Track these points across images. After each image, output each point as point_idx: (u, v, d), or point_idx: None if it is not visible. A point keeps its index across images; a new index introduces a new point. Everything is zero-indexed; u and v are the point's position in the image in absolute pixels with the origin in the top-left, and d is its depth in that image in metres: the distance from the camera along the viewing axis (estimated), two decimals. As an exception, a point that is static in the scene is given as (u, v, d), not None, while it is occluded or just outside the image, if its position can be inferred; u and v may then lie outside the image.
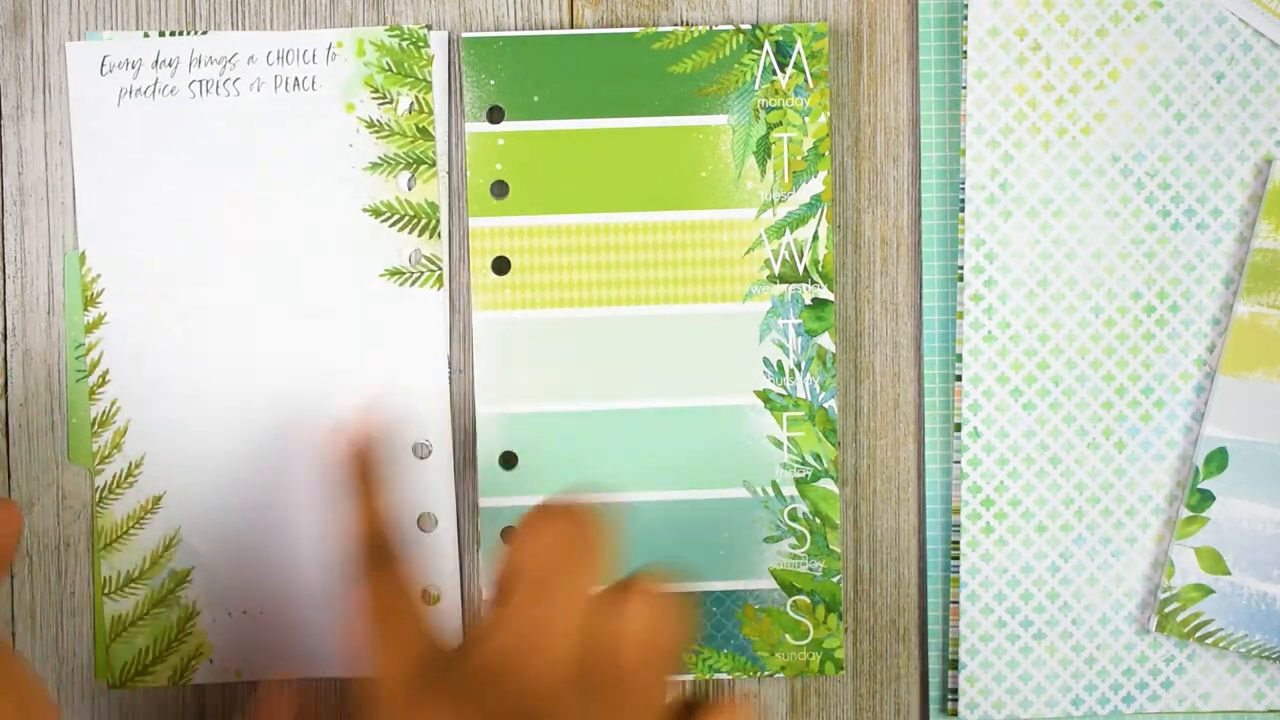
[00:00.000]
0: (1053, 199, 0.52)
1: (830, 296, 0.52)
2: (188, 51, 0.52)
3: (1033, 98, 0.52)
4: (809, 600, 0.52)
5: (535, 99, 0.52)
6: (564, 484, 0.52)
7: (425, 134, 0.52)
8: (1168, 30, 0.52)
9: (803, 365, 0.52)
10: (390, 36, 0.52)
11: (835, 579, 0.52)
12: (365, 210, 0.52)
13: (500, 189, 0.52)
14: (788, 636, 0.53)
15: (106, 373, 0.52)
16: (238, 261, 0.52)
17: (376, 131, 0.52)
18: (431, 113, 0.52)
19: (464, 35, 0.52)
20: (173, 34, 0.52)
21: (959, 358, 0.52)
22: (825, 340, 0.52)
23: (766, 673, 0.53)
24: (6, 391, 0.52)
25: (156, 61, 0.52)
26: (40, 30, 0.52)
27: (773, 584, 0.52)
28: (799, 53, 0.52)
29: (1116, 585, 0.53)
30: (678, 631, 0.40)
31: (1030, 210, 0.52)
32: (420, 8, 0.53)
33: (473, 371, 0.52)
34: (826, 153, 0.52)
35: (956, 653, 0.53)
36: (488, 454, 0.52)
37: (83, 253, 0.52)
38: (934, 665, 0.53)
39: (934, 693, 0.53)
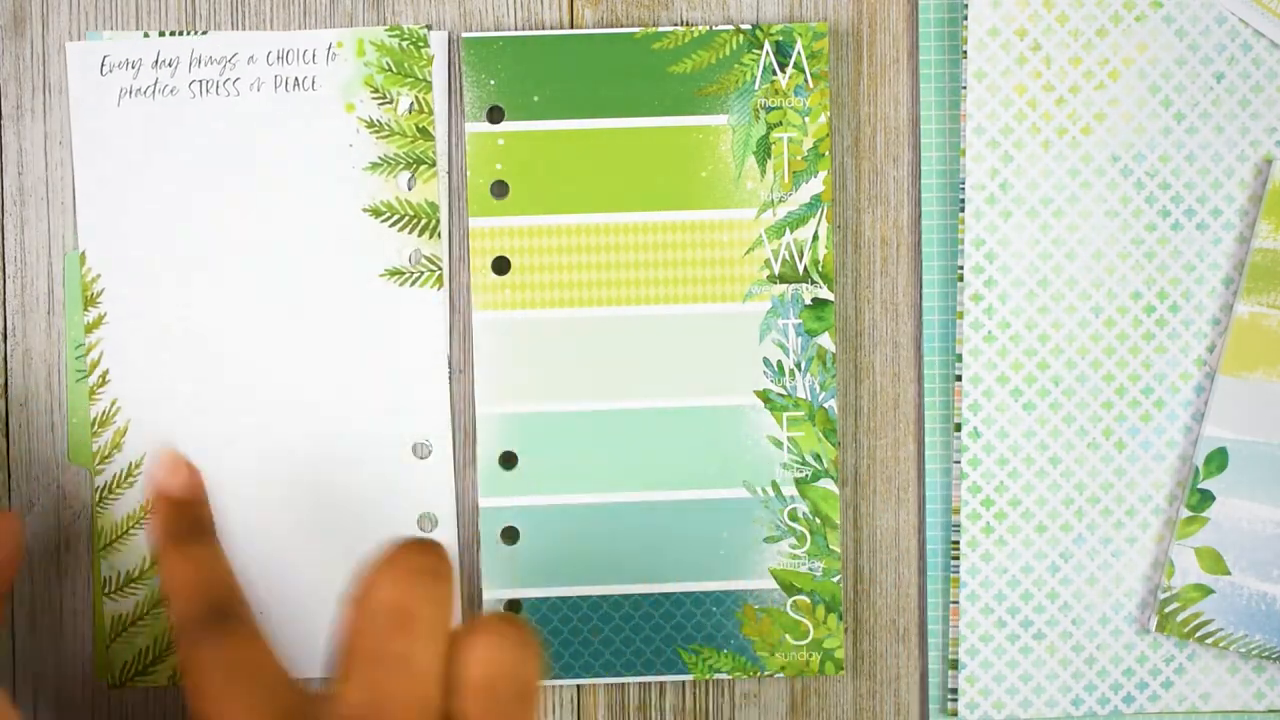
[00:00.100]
0: (1053, 199, 0.52)
1: (830, 296, 0.52)
2: (188, 51, 0.52)
3: (1033, 98, 0.52)
4: (809, 600, 0.52)
5: (535, 99, 0.52)
6: (564, 484, 0.52)
7: (425, 134, 0.52)
8: (1168, 30, 0.52)
9: (803, 365, 0.52)
10: (390, 36, 0.52)
11: (835, 579, 0.52)
12: (365, 210, 0.52)
13: (500, 189, 0.52)
14: (788, 636, 0.53)
15: (106, 373, 0.52)
16: (238, 261, 0.52)
17: (376, 131, 0.52)
18: (431, 113, 0.52)
19: (464, 35, 0.52)
20: (173, 34, 0.52)
21: (959, 358, 0.52)
22: (825, 340, 0.52)
23: (766, 673, 0.53)
24: (6, 391, 0.52)
25: (156, 61, 0.52)
26: (40, 30, 0.52)
27: (773, 584, 0.52)
28: (799, 53, 0.52)
29: (1116, 585, 0.53)
30: (525, 670, 0.39)
31: (1030, 210, 0.52)
32: (420, 8, 0.53)
33: (473, 371, 0.52)
34: (826, 153, 0.52)
35: (956, 653, 0.53)
36: (488, 454, 0.52)
37: (83, 253, 0.52)
38: (934, 665, 0.53)
39: (934, 693, 0.53)
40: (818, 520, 0.52)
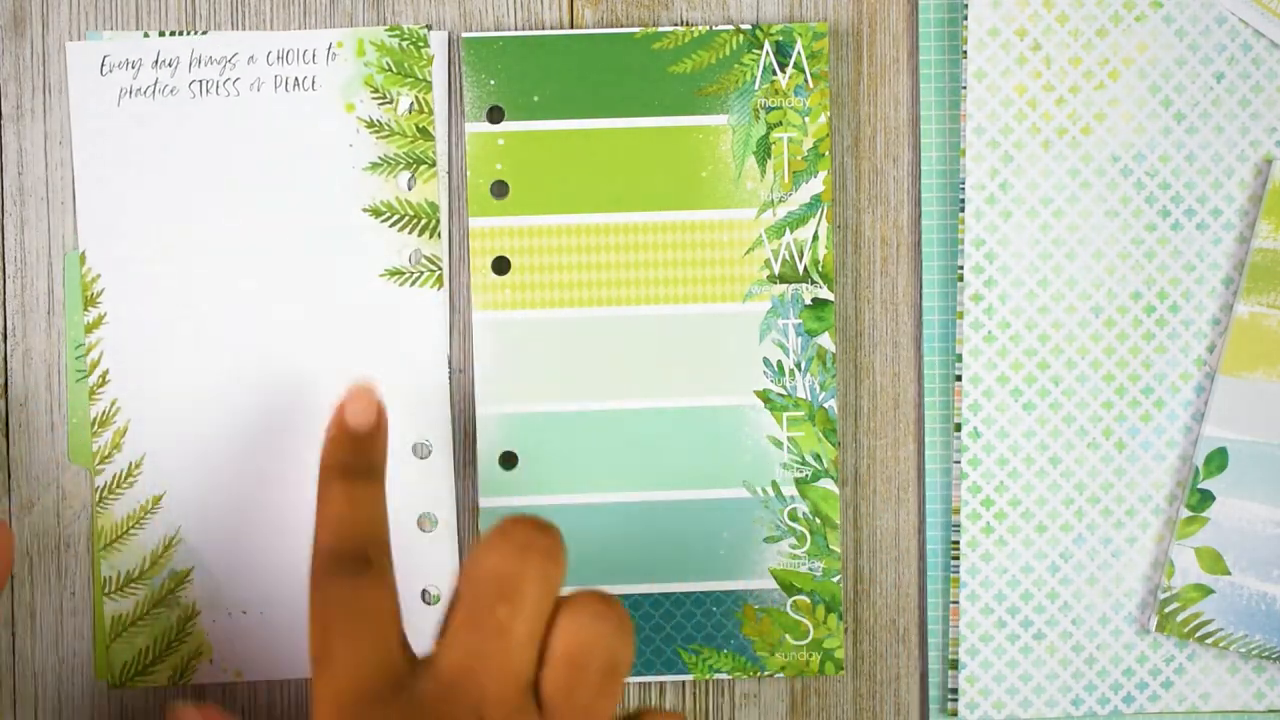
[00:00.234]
0: (1053, 199, 0.52)
1: (830, 296, 0.52)
2: (188, 51, 0.52)
3: (1033, 98, 0.52)
4: (809, 600, 0.52)
5: (535, 99, 0.52)
6: (564, 484, 0.52)
7: (425, 134, 0.52)
8: (1168, 30, 0.52)
9: (803, 365, 0.52)
10: (390, 36, 0.52)
11: (835, 579, 0.52)
12: (365, 210, 0.52)
13: (500, 189, 0.52)
14: (788, 636, 0.53)
15: (106, 373, 0.52)
16: (238, 261, 0.52)
17: (376, 131, 0.52)
18: (431, 113, 0.52)
19: (464, 35, 0.52)
20: (173, 34, 0.52)
21: (959, 358, 0.52)
22: (825, 340, 0.52)
23: (766, 673, 0.53)
24: (6, 391, 0.52)
25: (156, 61, 0.52)
26: (40, 30, 0.52)
27: (773, 584, 0.52)
28: (799, 53, 0.52)
29: (1116, 585, 0.53)
30: (614, 646, 0.40)
31: (1030, 210, 0.52)
32: (420, 8, 0.53)
33: (473, 371, 0.52)
34: (826, 153, 0.52)
35: (956, 653, 0.53)
36: (488, 454, 0.52)
37: (83, 253, 0.52)
38: (934, 665, 0.53)
39: (934, 693, 0.53)
40: (818, 520, 0.52)
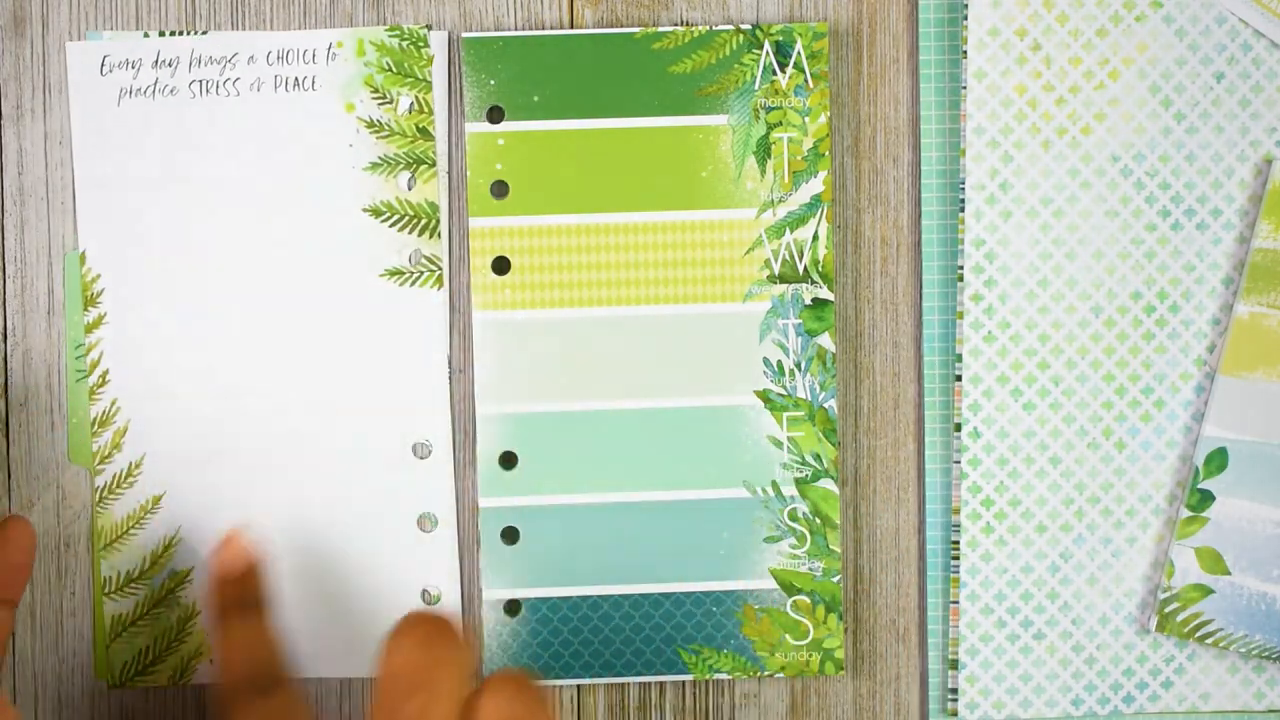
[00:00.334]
0: (1053, 199, 0.52)
1: (830, 296, 0.52)
2: (188, 51, 0.52)
3: (1033, 98, 0.52)
4: (809, 600, 0.52)
5: (535, 99, 0.52)
6: (564, 484, 0.52)
7: (425, 134, 0.52)
8: (1168, 30, 0.52)
9: (803, 365, 0.52)
10: (390, 36, 0.52)
11: (835, 579, 0.52)
12: (365, 210, 0.52)
13: (500, 189, 0.52)
14: (788, 636, 0.53)
15: (106, 373, 0.52)
16: (238, 261, 0.52)
17: (376, 131, 0.52)
18: (431, 113, 0.52)
19: (464, 35, 0.52)
20: (173, 34, 0.52)
21: (959, 358, 0.52)
22: (825, 340, 0.52)
23: (766, 673, 0.53)
24: (6, 391, 0.52)
25: (156, 61, 0.52)
26: (40, 30, 0.52)
27: (773, 584, 0.52)
28: (799, 53, 0.52)
29: (1116, 585, 0.53)
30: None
31: (1030, 210, 0.52)
32: (420, 8, 0.53)
33: (473, 371, 0.52)
34: (826, 153, 0.52)
35: (956, 653, 0.53)
36: (488, 454, 0.52)
37: (83, 253, 0.52)
38: (934, 665, 0.53)
39: (934, 693, 0.53)
40: (818, 520, 0.52)
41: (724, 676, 0.53)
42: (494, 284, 0.52)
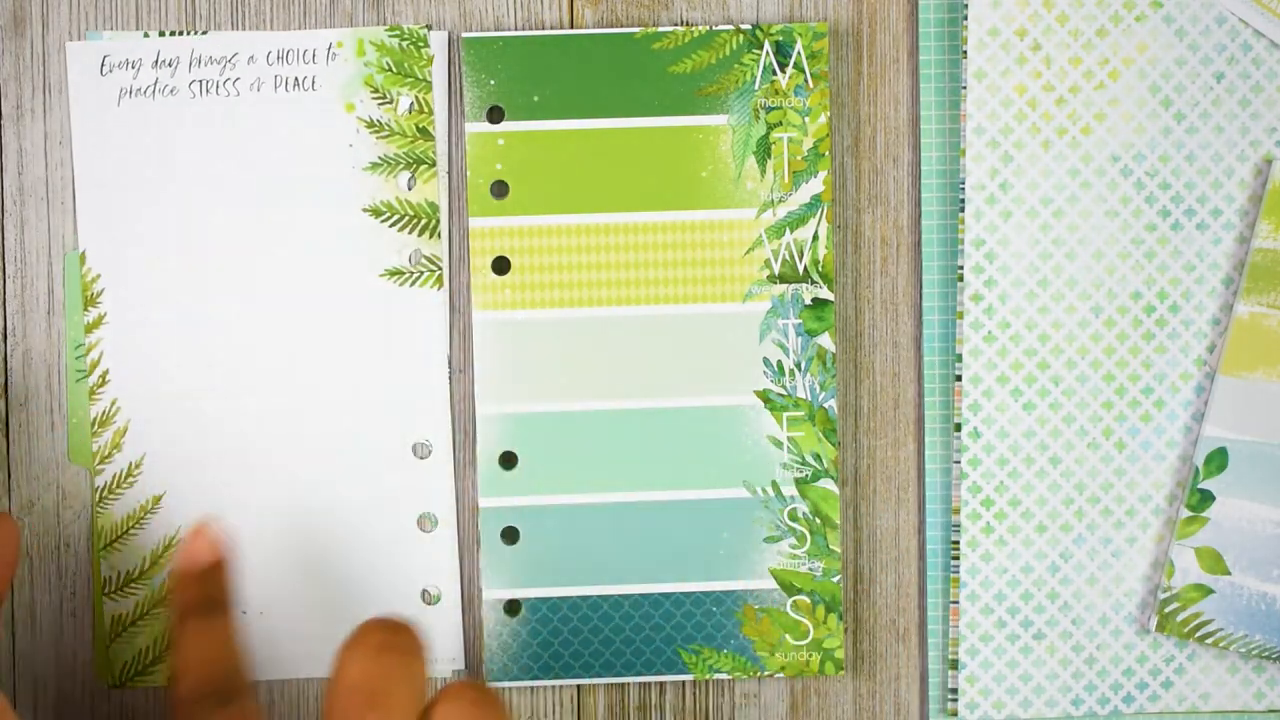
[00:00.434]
0: (1053, 199, 0.52)
1: (830, 296, 0.52)
2: (188, 51, 0.52)
3: (1033, 98, 0.52)
4: (809, 600, 0.52)
5: (535, 99, 0.52)
6: (564, 484, 0.52)
7: (425, 134, 0.52)
8: (1168, 30, 0.52)
9: (803, 365, 0.52)
10: (390, 36, 0.52)
11: (835, 579, 0.52)
12: (365, 210, 0.52)
13: (500, 189, 0.52)
14: (788, 636, 0.53)
15: (106, 373, 0.52)
16: (238, 261, 0.52)
17: (376, 131, 0.52)
18: (431, 113, 0.52)
19: (464, 35, 0.52)
20: (173, 34, 0.52)
21: (959, 358, 0.52)
22: (825, 340, 0.52)
23: (766, 673, 0.53)
24: (6, 391, 0.52)
25: (156, 61, 0.52)
26: (40, 30, 0.52)
27: (773, 584, 0.52)
28: (799, 53, 0.52)
29: (1116, 585, 0.53)
30: None
31: (1030, 210, 0.52)
32: (420, 8, 0.53)
33: (473, 371, 0.52)
34: (826, 153, 0.52)
35: (956, 653, 0.53)
36: (488, 454, 0.52)
37: (83, 253, 0.52)
38: (934, 665, 0.53)
39: (934, 693, 0.53)
40: (818, 520, 0.52)
41: (724, 676, 0.53)
42: (494, 284, 0.52)
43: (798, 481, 0.52)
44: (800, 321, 0.52)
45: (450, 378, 0.53)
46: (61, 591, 0.52)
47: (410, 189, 0.52)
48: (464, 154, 0.52)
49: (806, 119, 0.52)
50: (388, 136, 0.52)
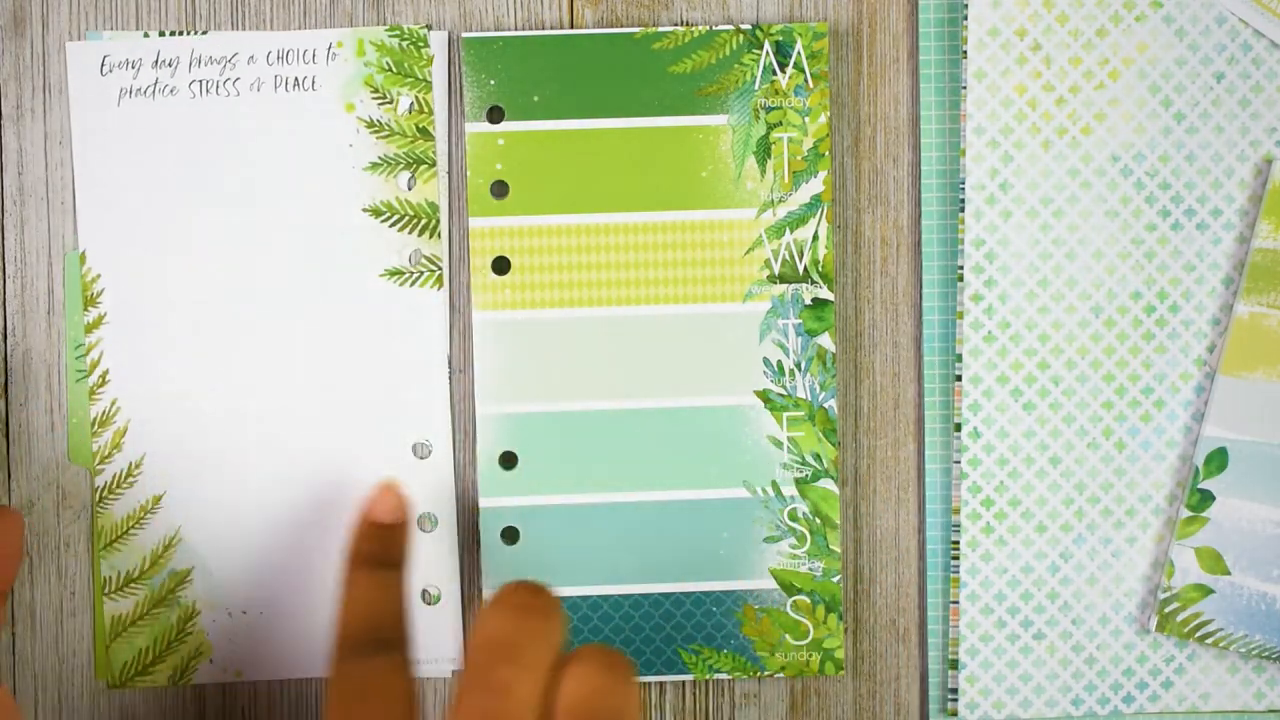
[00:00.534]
0: (1053, 199, 0.52)
1: (830, 296, 0.52)
2: (188, 51, 0.52)
3: (1033, 98, 0.52)
4: (809, 600, 0.52)
5: (535, 99, 0.52)
6: (564, 484, 0.52)
7: (425, 134, 0.52)
8: (1168, 30, 0.52)
9: (803, 365, 0.52)
10: (390, 36, 0.52)
11: (835, 579, 0.52)
12: (365, 210, 0.52)
13: (500, 189, 0.52)
14: (788, 636, 0.53)
15: (106, 373, 0.52)
16: (238, 261, 0.52)
17: (376, 131, 0.52)
18: (431, 113, 0.52)
19: (464, 35, 0.52)
20: (173, 34, 0.52)
21: (959, 358, 0.52)
22: (825, 340, 0.52)
23: (766, 673, 0.53)
24: (6, 391, 0.52)
25: (156, 61, 0.52)
26: (40, 30, 0.52)
27: (773, 584, 0.52)
28: (799, 53, 0.52)
29: (1116, 585, 0.53)
30: (619, 695, 0.41)
31: (1030, 210, 0.52)
32: (420, 8, 0.53)
33: (473, 371, 0.52)
34: (826, 153, 0.52)
35: (956, 653, 0.53)
36: (488, 454, 0.52)
37: (83, 253, 0.52)
38: (934, 665, 0.53)
39: (934, 693, 0.53)
40: (818, 520, 0.52)
41: (724, 676, 0.53)
42: (494, 284, 0.52)
43: (798, 481, 0.52)
44: (800, 321, 0.52)
45: (450, 378, 0.53)
46: (61, 591, 0.52)
47: (410, 189, 0.52)
48: (464, 154, 0.52)
49: (806, 119, 0.52)
50: (388, 136, 0.52)
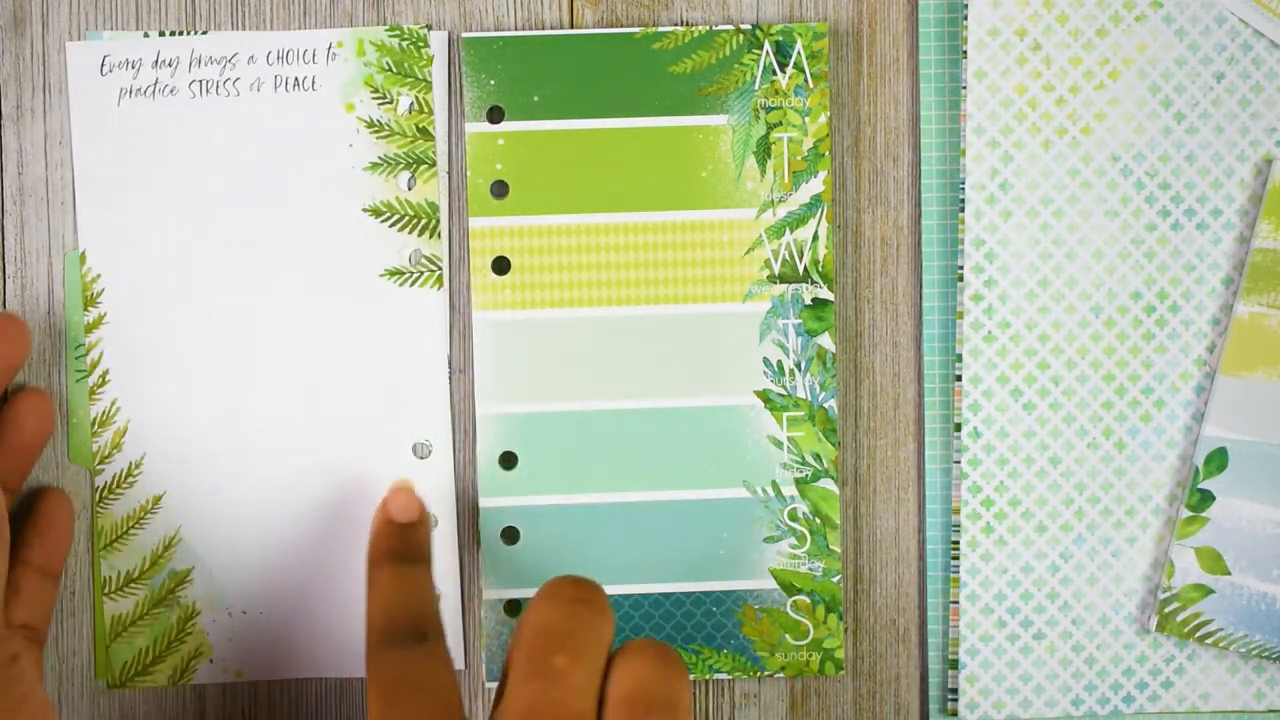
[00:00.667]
0: (1053, 199, 0.52)
1: (830, 296, 0.52)
2: (188, 51, 0.52)
3: (1033, 98, 0.52)
4: (809, 600, 0.52)
5: (535, 99, 0.52)
6: (564, 484, 0.52)
7: (425, 134, 0.52)
8: (1168, 30, 0.52)
9: (803, 365, 0.52)
10: (390, 36, 0.52)
11: (835, 579, 0.52)
12: (365, 210, 0.52)
13: (500, 189, 0.52)
14: (788, 636, 0.53)
15: (106, 373, 0.52)
16: (237, 261, 0.52)
17: (376, 131, 0.52)
18: (431, 113, 0.52)
19: (464, 35, 0.52)
20: (173, 34, 0.52)
21: (959, 358, 0.52)
22: (825, 340, 0.52)
23: (766, 673, 0.53)
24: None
25: (156, 61, 0.52)
26: (40, 30, 0.52)
27: (773, 584, 0.52)
28: (799, 53, 0.52)
29: (1116, 585, 0.53)
30: (672, 684, 0.41)
31: (1030, 210, 0.52)
32: (420, 8, 0.53)
33: (473, 371, 0.52)
34: (826, 153, 0.52)
35: (956, 653, 0.53)
36: (488, 454, 0.52)
37: (83, 253, 0.52)
38: (934, 665, 0.53)
39: (934, 693, 0.53)
40: (818, 520, 0.52)
41: (724, 676, 0.53)
42: (494, 284, 0.52)
43: (798, 481, 0.52)
44: (800, 321, 0.52)
45: (450, 378, 0.53)
46: (61, 591, 0.52)
47: (410, 189, 0.52)
48: (464, 154, 0.52)
49: (806, 119, 0.52)
50: (388, 136, 0.52)
